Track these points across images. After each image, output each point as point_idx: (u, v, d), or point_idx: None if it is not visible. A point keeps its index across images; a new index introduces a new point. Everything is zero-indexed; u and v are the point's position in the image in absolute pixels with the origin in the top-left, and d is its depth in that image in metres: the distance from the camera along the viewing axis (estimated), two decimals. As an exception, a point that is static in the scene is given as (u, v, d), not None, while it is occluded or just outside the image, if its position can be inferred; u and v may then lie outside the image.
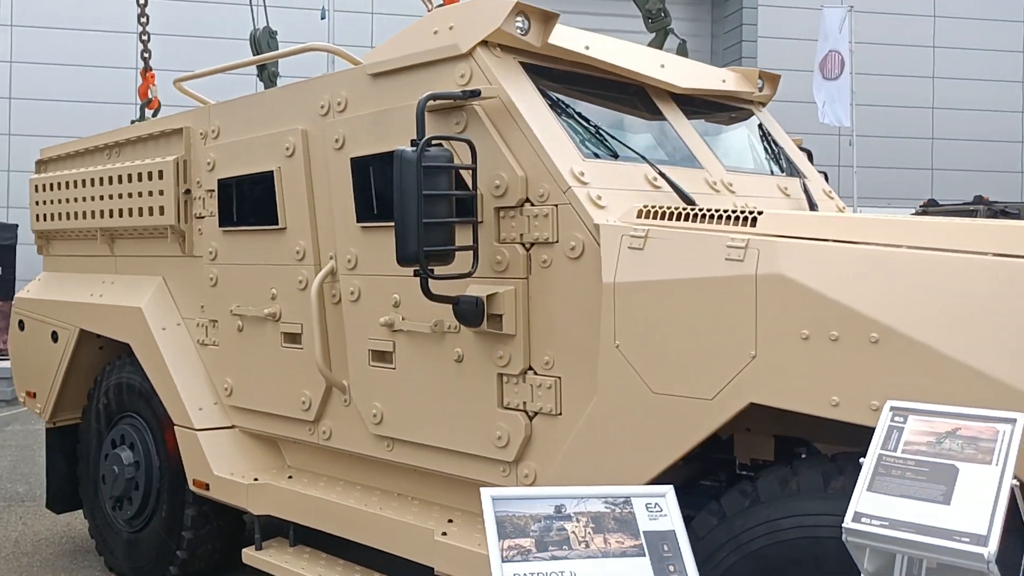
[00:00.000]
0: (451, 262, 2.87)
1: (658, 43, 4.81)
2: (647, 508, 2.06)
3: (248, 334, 3.98)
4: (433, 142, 2.79)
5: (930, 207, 14.91)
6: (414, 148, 2.74)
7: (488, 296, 2.97)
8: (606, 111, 3.52)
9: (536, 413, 2.99)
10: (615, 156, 3.20)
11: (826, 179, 4.94)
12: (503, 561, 1.89)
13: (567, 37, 3.35)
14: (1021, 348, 2.00)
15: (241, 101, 4.03)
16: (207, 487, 4.10)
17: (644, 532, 2.02)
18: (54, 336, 4.90)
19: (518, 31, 3.14)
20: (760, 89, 4.42)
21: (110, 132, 4.83)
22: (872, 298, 2.19)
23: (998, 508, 1.65)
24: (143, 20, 6.79)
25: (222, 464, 4.09)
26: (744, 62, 19.39)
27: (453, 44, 3.13)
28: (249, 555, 4.00)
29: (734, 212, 2.63)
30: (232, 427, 4.20)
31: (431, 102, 2.93)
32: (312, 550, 3.97)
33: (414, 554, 3.35)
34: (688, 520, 2.51)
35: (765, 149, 4.30)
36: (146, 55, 6.90)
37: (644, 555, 1.98)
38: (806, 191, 4.02)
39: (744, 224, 2.59)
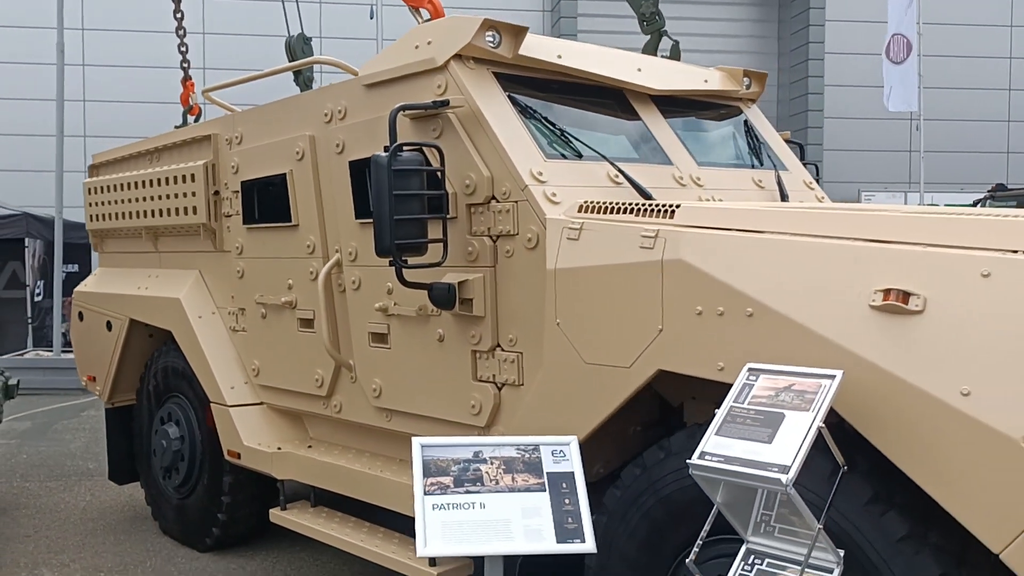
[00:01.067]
0: (424, 253, 3.37)
1: (653, 45, 5.19)
2: (552, 454, 2.53)
3: (270, 320, 4.56)
4: (405, 148, 3.29)
5: (998, 192, 14.71)
6: (386, 154, 3.24)
7: (460, 283, 3.46)
8: (578, 114, 3.96)
9: (503, 384, 3.46)
10: (579, 156, 3.64)
11: (817, 171, 5.28)
12: (424, 495, 2.38)
13: (539, 47, 3.80)
14: (862, 316, 2.39)
15: (260, 109, 4.61)
16: (239, 456, 4.71)
17: (548, 473, 2.49)
18: (108, 325, 5.61)
19: (489, 44, 3.61)
20: (748, 87, 4.77)
21: (152, 138, 5.50)
22: (749, 278, 2.60)
23: (804, 445, 2.06)
24: (180, 32, 7.47)
25: (251, 436, 4.68)
26: (811, 48, 19.33)
27: (431, 58, 3.62)
28: (275, 515, 4.59)
29: (657, 206, 3.06)
30: (260, 403, 4.80)
31: (402, 112, 3.43)
32: (329, 510, 4.52)
33: (408, 510, 3.87)
34: (619, 471, 2.97)
35: (749, 144, 4.65)
36: (185, 64, 7.57)
37: (545, 491, 2.44)
38: (779, 183, 4.37)
39: (664, 216, 3.01)
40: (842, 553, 2.24)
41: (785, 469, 2.02)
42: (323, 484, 4.37)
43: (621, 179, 3.63)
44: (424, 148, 3.45)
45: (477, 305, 3.46)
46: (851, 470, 2.33)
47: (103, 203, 5.75)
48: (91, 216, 5.93)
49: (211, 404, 4.87)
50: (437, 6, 4.08)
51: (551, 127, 3.66)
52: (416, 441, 2.47)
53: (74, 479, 6.88)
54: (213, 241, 4.87)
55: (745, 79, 4.76)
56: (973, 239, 2.41)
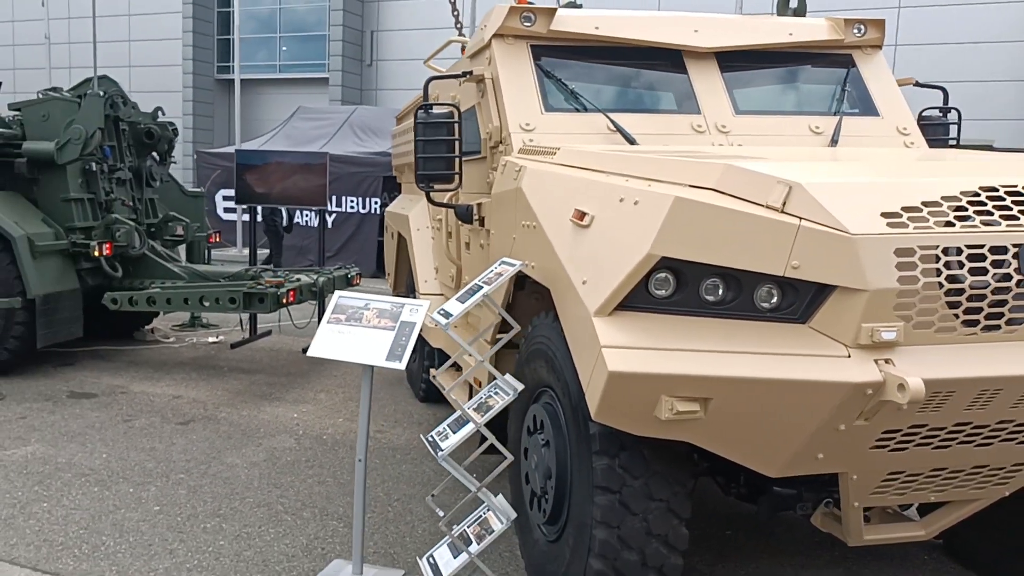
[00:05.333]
0: (450, 182, 5.04)
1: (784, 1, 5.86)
2: (410, 310, 4.15)
3: (437, 236, 6.59)
4: (433, 108, 4.98)
5: None
6: (420, 111, 4.99)
7: (477, 204, 5.09)
8: (613, 72, 5.19)
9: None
10: (583, 109, 4.95)
11: (959, 116, 5.58)
12: (327, 323, 4.21)
13: (577, 22, 5.14)
14: (568, 229, 3.55)
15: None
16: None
17: (401, 321, 4.13)
18: (392, 235, 8.16)
19: (526, 24, 5.08)
20: (862, 34, 5.41)
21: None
22: (539, 202, 3.87)
23: (474, 299, 3.46)
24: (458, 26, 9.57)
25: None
26: None
27: (482, 38, 5.22)
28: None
29: (548, 148, 4.35)
30: (440, 294, 6.86)
31: (433, 81, 5.12)
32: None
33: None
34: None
35: (837, 92, 5.34)
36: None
37: (392, 330, 4.10)
38: (836, 129, 5.06)
39: (550, 156, 4.30)
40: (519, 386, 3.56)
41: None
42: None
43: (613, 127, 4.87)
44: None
45: (487, 220, 5.05)
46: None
47: (396, 146, 8.27)
48: (394, 155, 8.50)
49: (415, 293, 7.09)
50: (519, -9, 5.58)
51: (564, 85, 5.01)
52: (337, 293, 4.29)
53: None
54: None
55: (857, 27, 5.40)
56: (651, 173, 3.44)
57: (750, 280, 3.02)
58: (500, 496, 3.84)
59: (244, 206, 11.54)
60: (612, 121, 4.84)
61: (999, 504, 4.08)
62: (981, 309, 2.91)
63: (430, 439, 3.74)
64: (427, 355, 7.18)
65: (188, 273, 8.88)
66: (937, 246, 2.85)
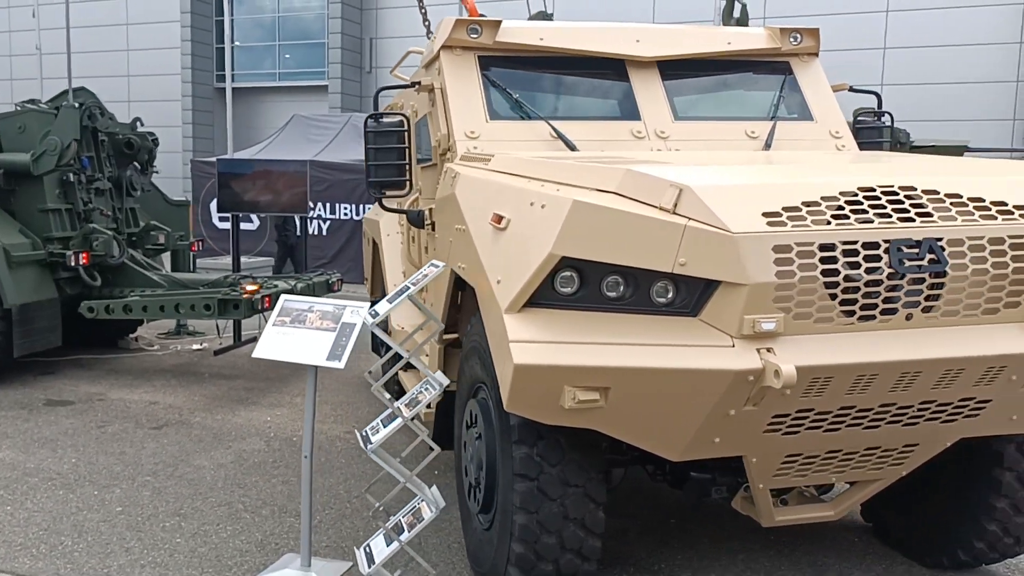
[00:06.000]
0: (400, 189, 5.29)
1: (728, 9, 6.11)
2: (351, 312, 4.40)
3: (405, 239, 6.85)
4: (382, 117, 5.24)
5: None
6: (371, 119, 5.24)
7: (429, 209, 5.35)
8: (558, 81, 5.45)
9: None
10: (526, 117, 5.20)
11: (892, 119, 5.85)
12: (273, 325, 4.46)
13: (523, 33, 5.39)
14: (488, 231, 3.80)
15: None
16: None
17: (342, 323, 4.38)
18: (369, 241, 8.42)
19: (472, 36, 5.34)
20: (798, 42, 5.67)
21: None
22: (469, 205, 4.12)
23: (403, 296, 3.70)
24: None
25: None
26: None
27: (432, 49, 5.49)
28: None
29: (483, 155, 4.60)
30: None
31: (384, 90, 5.39)
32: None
33: None
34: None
35: (776, 98, 5.58)
36: None
37: (333, 332, 4.35)
38: (770, 133, 5.31)
39: (485, 162, 4.55)
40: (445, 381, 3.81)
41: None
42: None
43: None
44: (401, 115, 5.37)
45: (435, 225, 5.31)
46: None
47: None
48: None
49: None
50: (470, 6, 5.85)
51: (509, 94, 5.27)
52: (283, 297, 4.55)
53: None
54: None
55: (794, 36, 5.66)
56: (558, 178, 3.69)
57: (646, 277, 3.26)
58: (434, 487, 4.09)
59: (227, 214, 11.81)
60: (553, 128, 5.08)
61: (909, 484, 4.33)
62: (856, 300, 3.14)
63: (363, 434, 3.99)
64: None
65: (167, 281, 9.16)
66: (813, 242, 3.09)
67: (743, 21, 6.05)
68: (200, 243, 11.08)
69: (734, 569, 4.62)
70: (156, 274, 9.35)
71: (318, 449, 6.57)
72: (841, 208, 3.18)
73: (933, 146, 13.35)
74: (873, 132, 5.64)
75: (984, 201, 3.29)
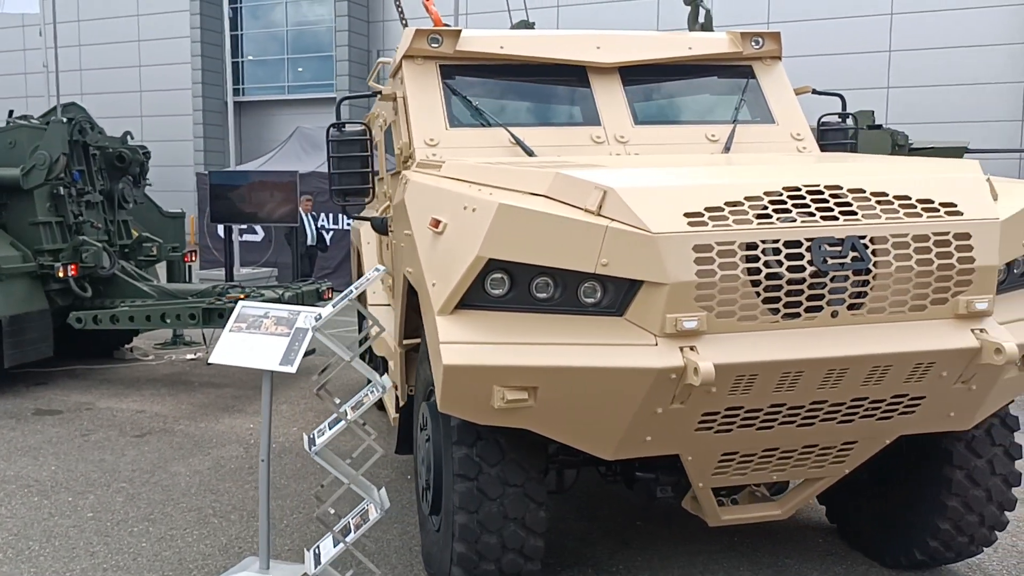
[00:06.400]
0: (363, 196, 5.36)
1: (693, 15, 6.14)
2: (305, 319, 4.47)
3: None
4: (344, 126, 5.32)
5: None
6: (334, 129, 5.32)
7: (390, 217, 5.41)
8: (519, 88, 5.51)
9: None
10: (486, 124, 5.26)
11: (856, 121, 5.88)
12: (230, 331, 4.54)
13: (483, 42, 5.45)
14: (428, 235, 3.86)
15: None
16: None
17: (295, 328, 4.45)
18: (355, 249, 8.47)
19: (433, 45, 5.41)
20: (760, 46, 5.71)
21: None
22: (418, 212, 4.17)
23: (351, 295, 3.76)
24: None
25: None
26: None
27: (395, 59, 5.56)
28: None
29: (437, 162, 4.66)
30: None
31: (346, 101, 5.46)
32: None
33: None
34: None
35: (739, 102, 5.62)
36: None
37: (287, 337, 4.42)
38: (730, 137, 5.35)
39: (436, 169, 4.61)
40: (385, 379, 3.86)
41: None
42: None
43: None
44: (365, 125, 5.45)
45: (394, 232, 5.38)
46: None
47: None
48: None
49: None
50: (434, 16, 5.93)
51: (469, 102, 5.34)
52: (240, 303, 4.63)
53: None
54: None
55: (755, 40, 5.70)
56: (495, 182, 3.75)
57: (573, 278, 3.31)
58: (383, 489, 4.14)
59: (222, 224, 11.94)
60: (511, 134, 5.14)
61: (866, 484, 4.35)
62: (780, 299, 3.18)
63: (310, 436, 4.05)
64: (382, 363, 7.48)
65: (157, 291, 9.28)
66: (734, 242, 3.13)
67: (708, 26, 6.09)
68: (193, 254, 11.19)
69: (693, 570, 4.64)
70: (146, 285, 9.47)
71: (294, 454, 6.64)
72: (765, 208, 3.22)
73: (932, 148, 13.30)
74: (838, 134, 5.66)
75: (910, 199, 3.33)
